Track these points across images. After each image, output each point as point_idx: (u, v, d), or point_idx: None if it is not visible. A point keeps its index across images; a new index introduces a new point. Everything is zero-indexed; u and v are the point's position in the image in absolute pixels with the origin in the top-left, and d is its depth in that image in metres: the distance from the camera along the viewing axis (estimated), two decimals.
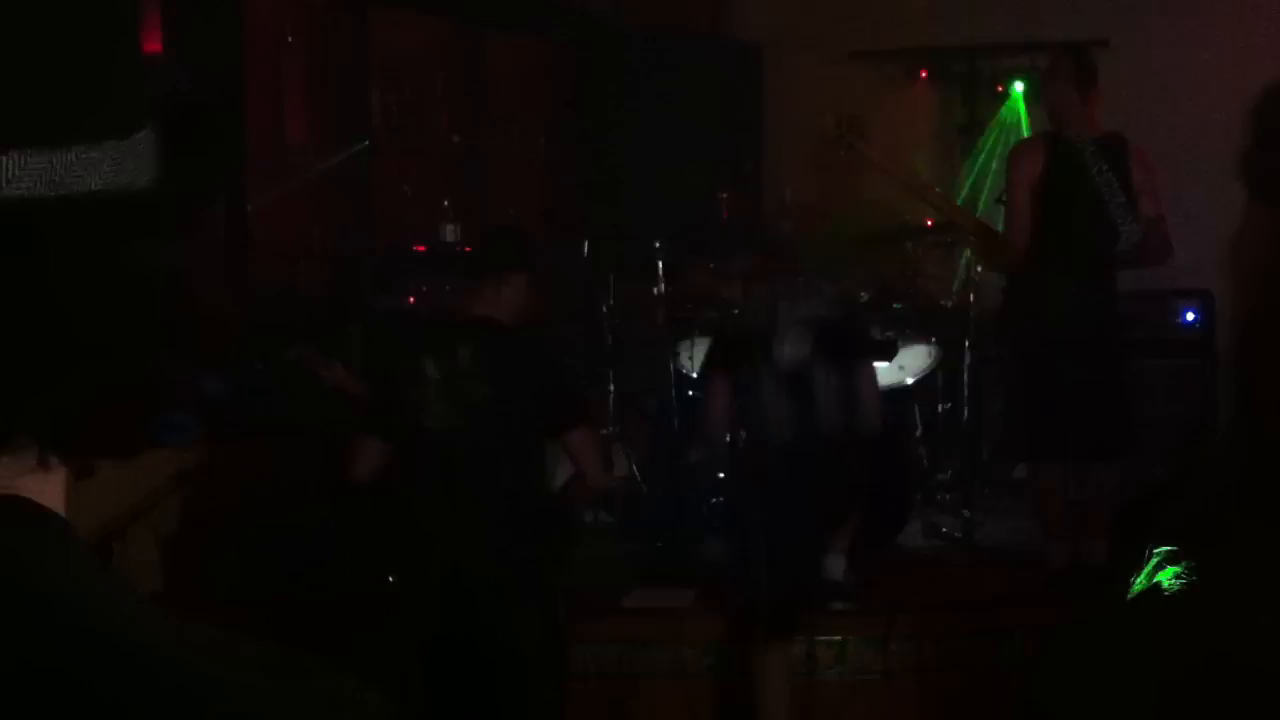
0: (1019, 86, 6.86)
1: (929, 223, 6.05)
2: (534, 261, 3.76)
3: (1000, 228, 5.17)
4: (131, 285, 0.69)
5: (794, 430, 4.18)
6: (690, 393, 5.49)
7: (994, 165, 6.81)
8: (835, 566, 4.54)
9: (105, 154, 0.64)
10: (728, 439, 4.44)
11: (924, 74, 7.59)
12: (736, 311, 4.47)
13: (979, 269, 5.78)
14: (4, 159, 0.62)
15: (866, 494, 4.47)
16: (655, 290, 5.51)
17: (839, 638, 4.54)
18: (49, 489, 0.69)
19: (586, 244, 6.12)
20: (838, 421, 4.20)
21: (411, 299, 5.83)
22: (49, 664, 0.60)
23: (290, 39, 6.59)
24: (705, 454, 4.55)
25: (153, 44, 5.81)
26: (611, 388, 5.83)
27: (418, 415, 3.52)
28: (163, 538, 4.93)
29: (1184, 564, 0.72)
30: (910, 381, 5.87)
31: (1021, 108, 6.88)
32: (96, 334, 0.67)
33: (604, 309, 5.88)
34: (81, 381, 0.68)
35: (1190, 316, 6.11)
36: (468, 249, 3.93)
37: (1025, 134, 6.70)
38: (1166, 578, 0.74)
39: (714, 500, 5.41)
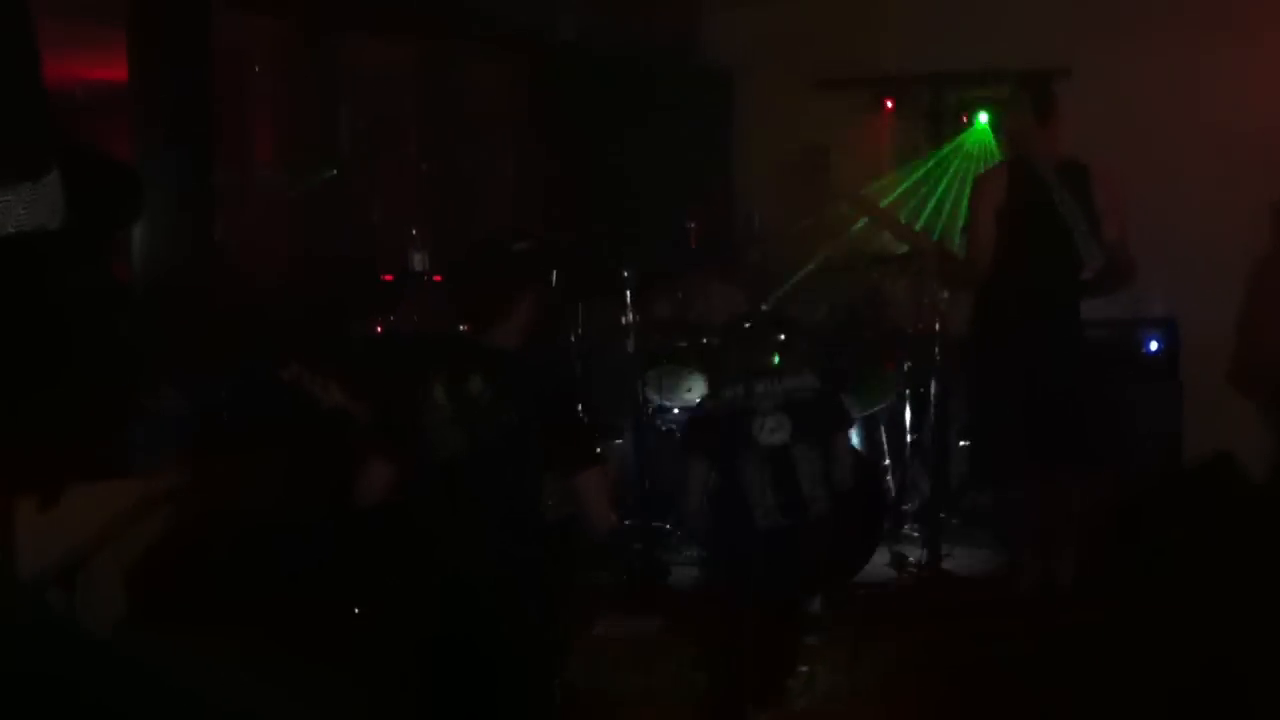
0: (983, 116, 6.92)
1: (895, 250, 6.09)
2: (547, 274, 3.66)
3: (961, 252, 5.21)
4: (59, 317, 0.69)
5: (776, 510, 4.17)
6: (659, 424, 5.50)
7: (953, 193, 6.85)
8: (811, 600, 4.54)
9: (19, 197, 0.64)
10: (707, 515, 4.43)
11: (889, 103, 7.64)
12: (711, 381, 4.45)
13: (945, 296, 5.82)
14: None
15: (841, 552, 4.47)
16: (624, 318, 5.52)
17: (806, 667, 4.54)
18: None
19: (555, 271, 6.11)
20: (819, 495, 4.21)
21: (380, 327, 5.81)
22: None
23: (259, 61, 6.57)
24: (688, 530, 4.53)
25: (118, 71, 5.80)
26: (585, 418, 5.82)
27: (426, 441, 3.43)
28: (131, 565, 4.88)
29: None
30: (878, 410, 5.89)
31: (988, 137, 6.93)
32: (36, 363, 0.67)
33: (572, 336, 5.87)
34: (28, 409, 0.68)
35: (1155, 344, 6.16)
36: (475, 268, 3.69)
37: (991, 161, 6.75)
38: None
39: (679, 530, 5.42)
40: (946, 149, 6.97)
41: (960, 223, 6.11)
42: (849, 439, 4.41)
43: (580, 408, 3.56)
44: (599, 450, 3.54)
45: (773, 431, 4.21)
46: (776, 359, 4.29)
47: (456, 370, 3.45)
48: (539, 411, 3.43)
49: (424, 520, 3.51)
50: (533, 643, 3.52)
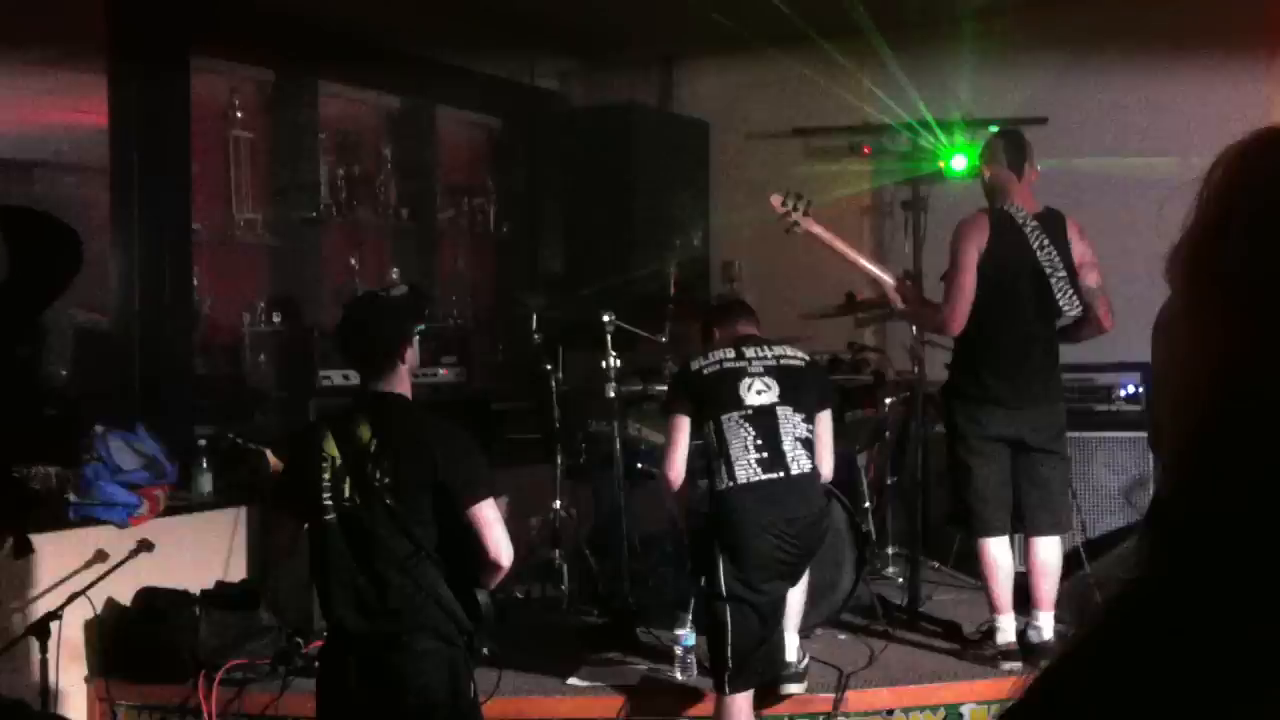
0: (960, 163, 6.97)
1: (874, 295, 6.11)
2: (413, 325, 3.71)
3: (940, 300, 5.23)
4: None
5: (757, 464, 4.19)
6: (639, 465, 5.49)
7: (930, 239, 6.88)
8: (790, 647, 4.52)
9: None
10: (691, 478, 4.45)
11: (866, 150, 7.70)
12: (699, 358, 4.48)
13: (924, 342, 5.84)
14: None
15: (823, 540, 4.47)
16: (604, 363, 5.52)
17: (786, 715, 4.52)
18: None
19: (535, 317, 6.12)
20: (803, 466, 4.23)
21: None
22: None
23: (239, 112, 6.59)
24: (673, 494, 4.53)
25: (100, 117, 5.80)
26: (560, 461, 5.81)
27: (320, 494, 3.50)
28: (102, 616, 4.85)
29: None
30: (858, 452, 5.90)
31: (965, 183, 6.98)
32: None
33: (552, 382, 5.87)
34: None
35: (1130, 389, 6.19)
36: (342, 333, 3.82)
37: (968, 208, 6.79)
38: None
39: (661, 571, 5.40)
40: (922, 195, 7.01)
41: (939, 268, 6.14)
42: (830, 424, 4.44)
43: (465, 444, 3.55)
44: (487, 486, 3.50)
45: (760, 393, 4.24)
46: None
47: (346, 421, 3.53)
48: (421, 453, 3.46)
49: (327, 573, 3.54)
50: (446, 690, 3.50)
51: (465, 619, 3.51)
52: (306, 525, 3.61)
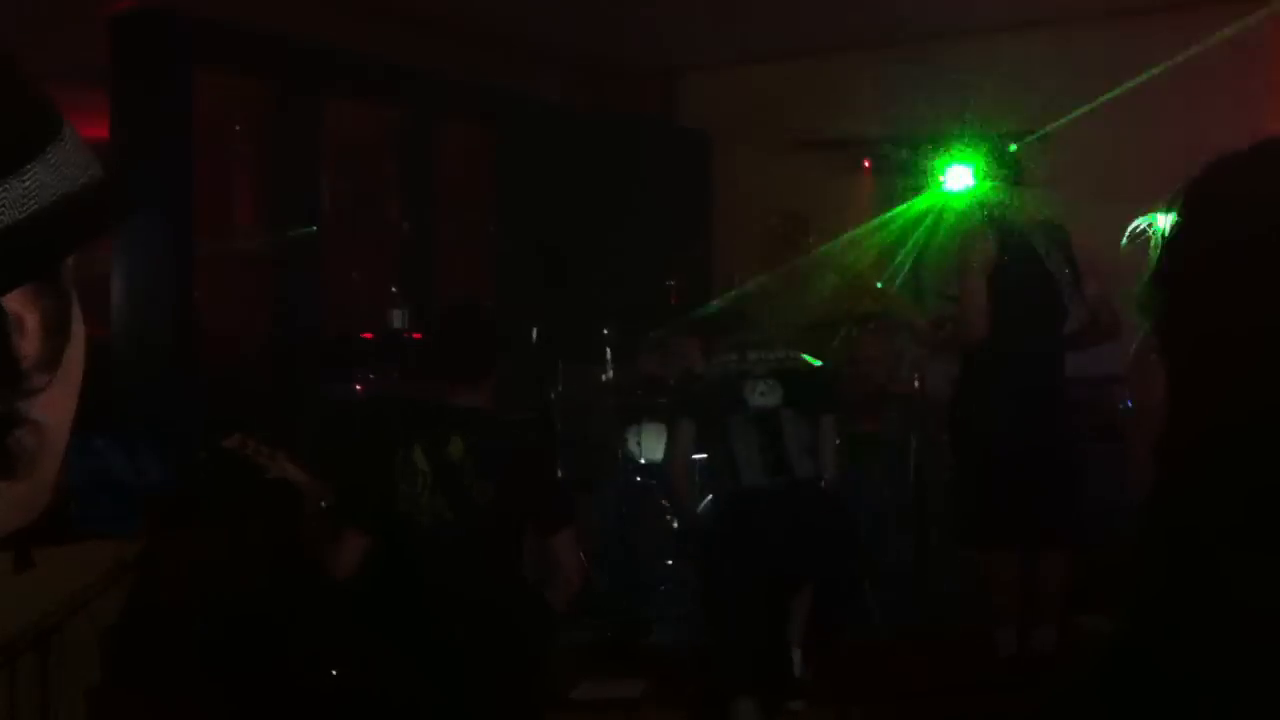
0: (961, 177, 6.97)
1: (875, 309, 6.11)
2: (506, 346, 3.70)
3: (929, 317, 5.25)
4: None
5: (762, 468, 4.19)
6: (639, 478, 5.48)
7: (933, 253, 6.88)
8: (794, 660, 4.51)
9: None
10: (694, 484, 4.45)
11: (867, 163, 7.71)
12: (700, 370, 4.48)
13: (925, 354, 5.83)
14: None
15: (830, 551, 4.46)
16: (604, 376, 5.51)
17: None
18: None
19: (535, 330, 6.13)
20: (806, 469, 4.23)
21: (360, 386, 5.79)
22: None
23: (240, 124, 6.60)
24: (674, 500, 4.54)
25: (98, 130, 5.81)
26: (560, 474, 5.80)
27: (407, 509, 3.40)
28: (102, 629, 4.83)
29: None
30: (857, 466, 5.89)
31: (966, 197, 6.98)
32: None
33: (552, 395, 5.87)
34: None
35: (1132, 402, 6.18)
36: (452, 338, 3.73)
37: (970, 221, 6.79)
38: None
39: (663, 588, 5.39)
40: (924, 208, 7.01)
41: (940, 282, 6.14)
42: (834, 428, 4.44)
43: (556, 467, 3.54)
44: (573, 512, 3.52)
45: (763, 395, 4.24)
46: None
47: (436, 434, 3.43)
48: (518, 473, 3.42)
49: (410, 589, 3.47)
50: (515, 706, 3.48)
51: (535, 635, 3.50)
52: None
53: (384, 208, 7.38)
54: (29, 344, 0.66)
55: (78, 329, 0.71)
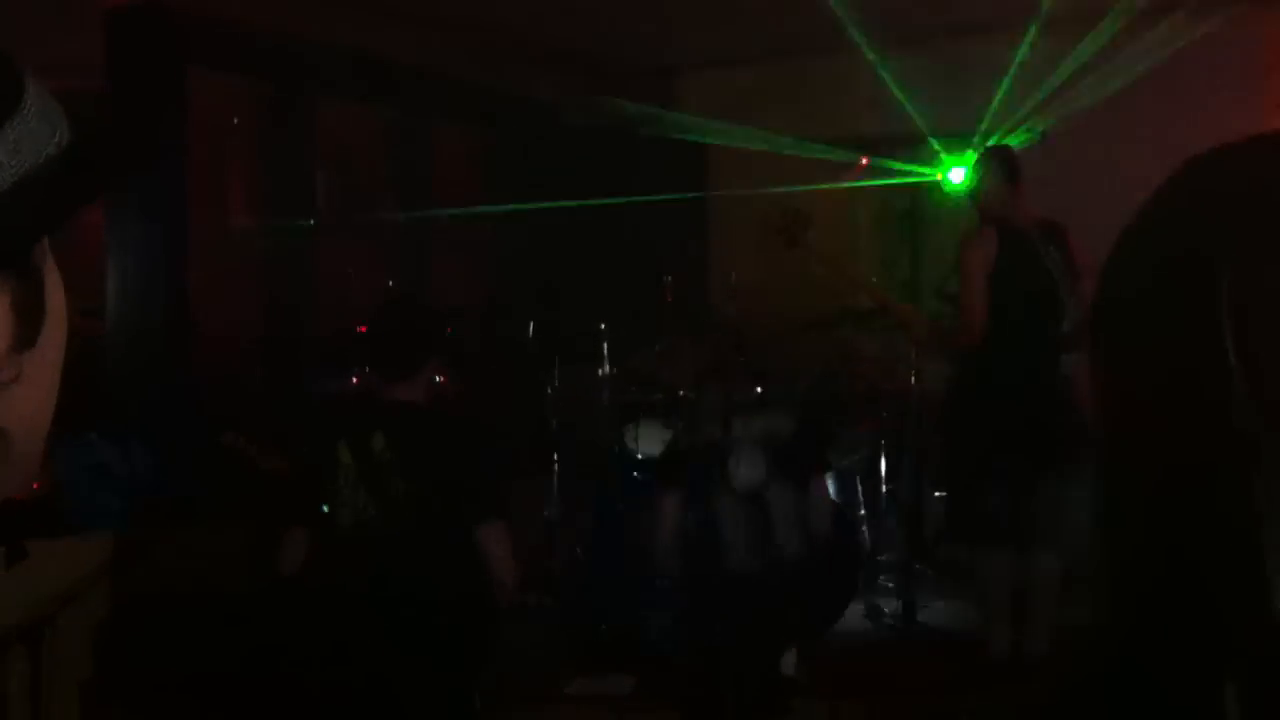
0: (958, 175, 6.99)
1: (870, 308, 6.12)
2: (446, 341, 3.68)
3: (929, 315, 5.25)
4: None
5: (750, 551, 4.16)
6: (635, 474, 5.48)
7: (929, 251, 6.90)
8: (788, 662, 4.51)
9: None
10: (679, 556, 4.41)
11: (864, 162, 7.72)
12: (686, 422, 4.43)
13: (919, 354, 5.84)
14: None
15: (821, 607, 4.44)
16: (599, 373, 5.51)
17: None
18: None
19: (531, 326, 6.12)
20: (794, 540, 4.19)
21: (356, 380, 5.80)
22: None
23: (236, 122, 6.59)
24: (658, 572, 4.49)
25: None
26: (556, 470, 5.80)
27: (333, 505, 3.42)
28: (95, 623, 4.83)
29: None
30: (854, 463, 5.90)
31: (963, 195, 7.00)
32: None
33: (548, 391, 5.86)
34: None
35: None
36: (376, 333, 3.75)
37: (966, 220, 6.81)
38: None
39: (658, 582, 5.39)
40: (921, 207, 7.03)
41: (938, 280, 6.15)
42: (825, 485, 4.40)
43: (481, 462, 3.51)
44: (498, 507, 3.47)
45: (749, 469, 4.19)
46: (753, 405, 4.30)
47: (360, 429, 3.45)
48: (441, 468, 3.42)
49: (337, 585, 3.47)
50: (455, 704, 3.48)
51: (473, 631, 3.49)
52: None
53: (380, 205, 7.37)
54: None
55: (56, 302, 0.69)
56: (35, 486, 4.86)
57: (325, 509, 3.45)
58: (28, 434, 0.68)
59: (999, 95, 6.97)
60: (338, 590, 3.47)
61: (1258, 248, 0.67)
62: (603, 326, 5.46)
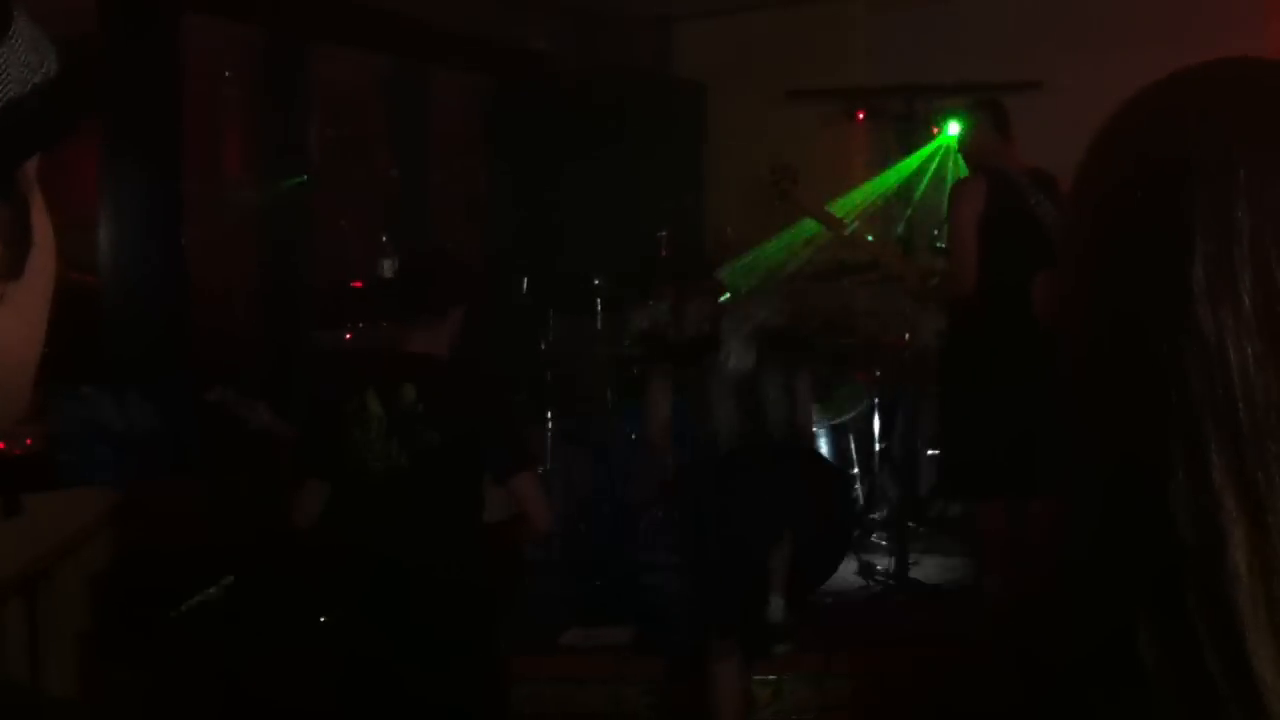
0: (954, 128, 6.95)
1: (865, 261, 6.11)
2: (472, 292, 3.68)
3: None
4: None
5: (741, 436, 4.20)
6: (632, 435, 5.49)
7: (926, 203, 6.88)
8: (775, 607, 4.53)
9: None
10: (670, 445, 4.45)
11: (861, 114, 7.68)
12: (676, 320, 4.47)
13: (914, 308, 5.83)
14: None
15: (807, 509, 4.47)
16: (595, 326, 5.51)
17: (774, 676, 4.53)
18: None
19: (526, 279, 6.11)
20: (783, 428, 4.24)
21: (349, 335, 5.78)
22: None
23: (229, 72, 6.54)
24: (650, 461, 4.55)
25: None
26: (550, 424, 5.81)
27: (361, 456, 3.41)
28: (91, 575, 4.85)
29: None
30: (847, 419, 5.91)
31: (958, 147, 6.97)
32: None
33: (543, 344, 5.86)
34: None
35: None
36: (403, 281, 3.77)
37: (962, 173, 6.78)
38: None
39: (655, 536, 5.41)
40: (917, 159, 7.00)
41: (933, 233, 6.13)
42: (811, 384, 4.45)
43: (511, 412, 3.54)
44: (530, 453, 3.54)
45: (739, 356, 4.24)
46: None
47: (389, 380, 3.44)
48: (470, 418, 3.42)
49: (363, 535, 3.47)
50: (479, 652, 3.50)
51: (493, 578, 3.52)
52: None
53: (375, 157, 7.33)
54: None
55: (43, 232, 0.69)
56: (29, 442, 4.86)
57: (347, 459, 3.43)
58: (14, 364, 0.68)
59: (997, 46, 6.93)
60: (365, 538, 3.45)
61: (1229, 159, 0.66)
62: (597, 281, 5.45)
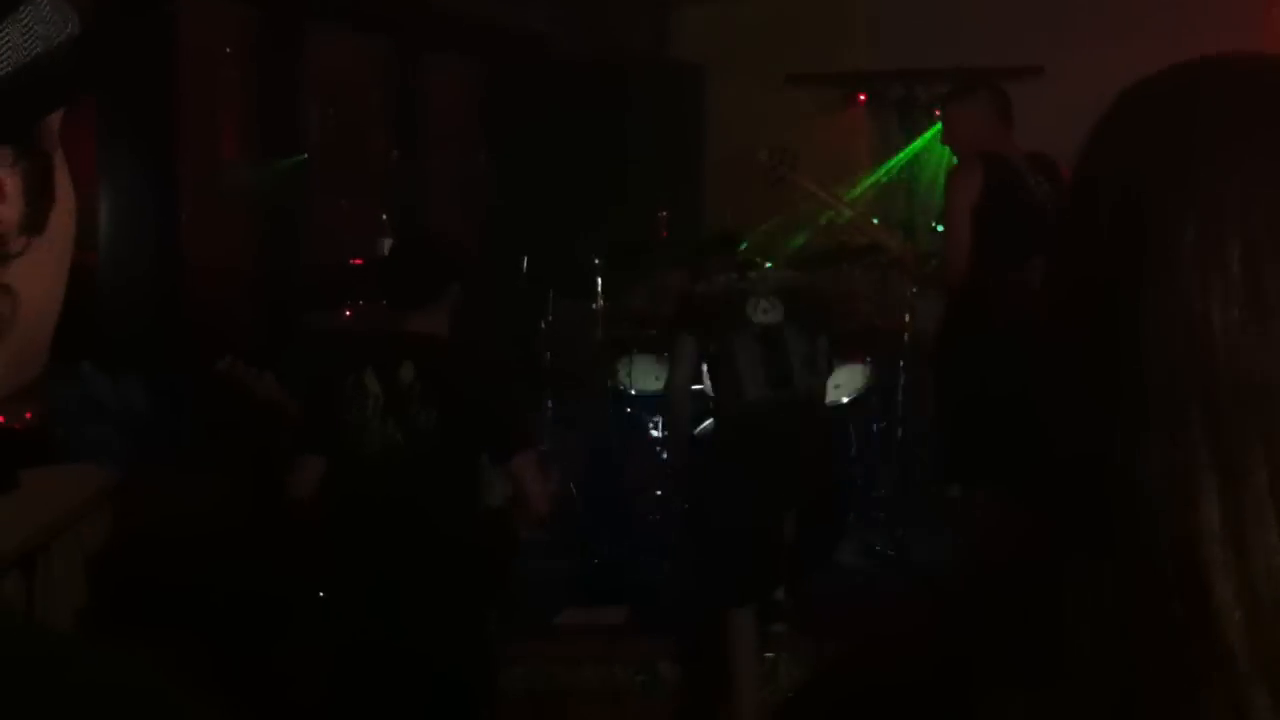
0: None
1: (863, 244, 6.11)
2: (468, 273, 3.68)
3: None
4: None
5: (765, 383, 4.22)
6: (628, 410, 5.50)
7: (925, 187, 6.88)
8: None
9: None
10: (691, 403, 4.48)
11: (861, 98, 7.67)
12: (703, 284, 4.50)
13: (914, 290, 5.83)
14: None
15: (828, 468, 4.53)
16: (594, 307, 5.51)
17: (770, 655, 4.55)
18: None
19: (525, 260, 6.11)
20: (808, 381, 4.27)
21: (349, 314, 5.79)
22: None
23: (226, 53, 6.52)
24: (673, 416, 4.56)
25: None
26: (549, 404, 5.82)
27: (358, 434, 3.43)
28: (90, 553, 4.85)
29: None
30: (846, 401, 5.91)
31: None
32: None
33: (542, 325, 5.86)
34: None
35: None
36: (399, 262, 3.78)
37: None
38: None
39: (651, 518, 5.42)
40: (919, 143, 6.99)
41: (933, 218, 6.13)
42: (830, 350, 4.49)
43: (510, 392, 3.55)
44: (530, 436, 3.54)
45: (766, 312, 4.27)
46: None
47: (387, 359, 3.45)
48: (467, 398, 3.43)
49: (359, 514, 3.49)
50: (472, 632, 3.52)
51: (490, 558, 3.53)
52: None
53: (372, 138, 7.32)
54: (9, 208, 0.66)
55: (65, 192, 0.71)
56: (29, 416, 4.87)
57: (344, 437, 3.44)
58: (35, 319, 0.69)
59: (998, 30, 6.92)
60: (360, 516, 3.47)
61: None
62: (596, 262, 5.45)
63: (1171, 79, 0.77)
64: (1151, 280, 0.68)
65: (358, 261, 6.23)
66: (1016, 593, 0.71)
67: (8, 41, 0.64)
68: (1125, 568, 0.66)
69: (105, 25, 0.70)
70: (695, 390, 4.47)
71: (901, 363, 5.98)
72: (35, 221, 0.67)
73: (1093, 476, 0.68)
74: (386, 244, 6.02)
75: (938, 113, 6.97)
